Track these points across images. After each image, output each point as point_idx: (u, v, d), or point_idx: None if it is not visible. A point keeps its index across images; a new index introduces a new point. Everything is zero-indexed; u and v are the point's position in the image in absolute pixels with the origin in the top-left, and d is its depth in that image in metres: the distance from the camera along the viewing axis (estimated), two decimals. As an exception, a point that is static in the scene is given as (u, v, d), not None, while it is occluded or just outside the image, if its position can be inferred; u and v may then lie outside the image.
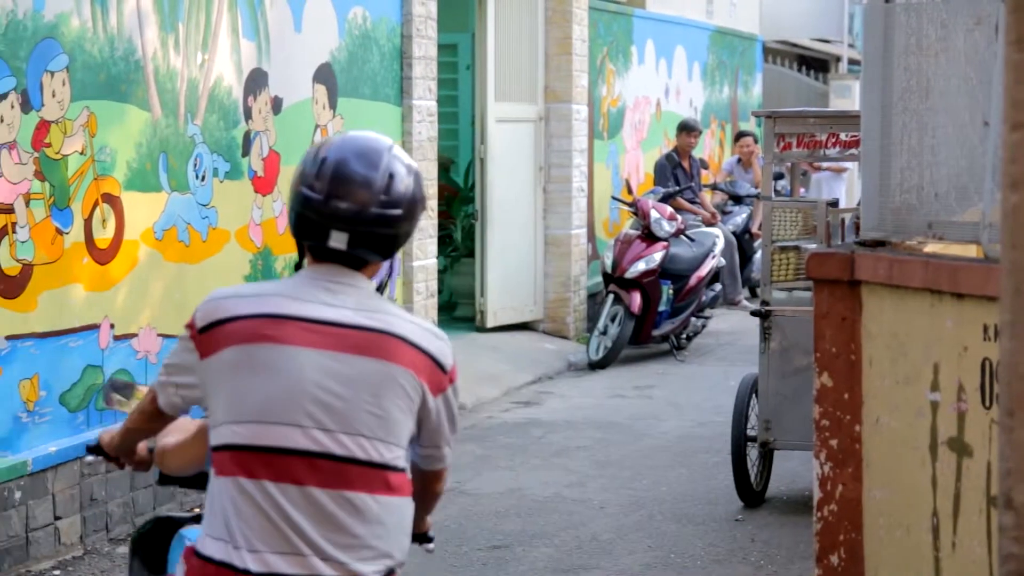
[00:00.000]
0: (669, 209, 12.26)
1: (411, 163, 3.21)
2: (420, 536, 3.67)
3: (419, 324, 3.23)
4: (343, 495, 3.07)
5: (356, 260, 3.16)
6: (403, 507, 3.18)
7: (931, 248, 4.43)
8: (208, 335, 3.13)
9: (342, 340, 3.09)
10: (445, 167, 12.73)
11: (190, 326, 3.18)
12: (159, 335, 7.13)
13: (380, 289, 3.36)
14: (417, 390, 3.14)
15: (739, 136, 16.04)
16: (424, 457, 3.31)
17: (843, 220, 7.60)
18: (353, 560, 3.07)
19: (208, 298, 3.19)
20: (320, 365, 3.07)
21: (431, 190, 9.93)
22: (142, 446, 3.62)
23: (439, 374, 3.20)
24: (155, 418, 3.38)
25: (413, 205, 3.16)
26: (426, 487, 3.39)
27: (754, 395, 7.59)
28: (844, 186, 17.11)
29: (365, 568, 3.09)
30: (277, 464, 3.05)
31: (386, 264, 3.37)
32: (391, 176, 3.12)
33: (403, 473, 3.17)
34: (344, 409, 3.07)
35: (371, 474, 3.09)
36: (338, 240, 3.11)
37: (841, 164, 16.10)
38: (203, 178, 7.45)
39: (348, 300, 3.14)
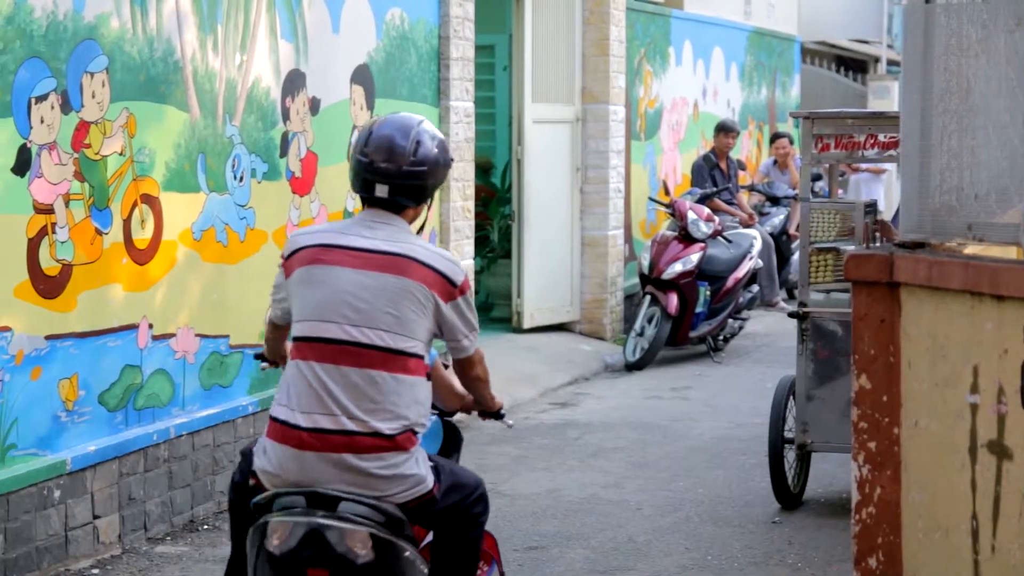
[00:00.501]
0: (706, 210, 12.23)
1: (436, 133, 4.43)
2: (494, 414, 4.77)
3: (434, 251, 4.40)
4: (367, 372, 4.23)
5: (396, 205, 4.38)
6: (416, 383, 4.31)
7: (971, 250, 4.41)
8: (289, 261, 4.39)
9: (371, 262, 4.29)
10: (485, 169, 12.70)
11: (282, 256, 4.43)
12: (197, 335, 7.15)
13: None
14: (429, 299, 4.31)
15: (775, 138, 15.99)
16: (452, 349, 4.46)
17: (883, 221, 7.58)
18: (373, 419, 4.22)
19: (290, 236, 4.54)
20: (353, 280, 4.28)
21: (468, 191, 9.94)
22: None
23: (449, 287, 4.34)
24: (274, 328, 4.68)
25: (436, 165, 4.39)
26: (466, 372, 4.59)
27: (791, 397, 7.56)
28: (882, 187, 17.04)
29: (382, 425, 4.22)
30: (321, 350, 4.25)
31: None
32: (418, 143, 4.36)
33: (419, 359, 4.31)
34: (369, 311, 4.25)
35: (389, 358, 4.25)
36: (381, 191, 4.36)
37: (879, 165, 16.03)
38: (241, 179, 7.48)
39: (381, 234, 4.35)
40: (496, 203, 13.00)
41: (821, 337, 7.41)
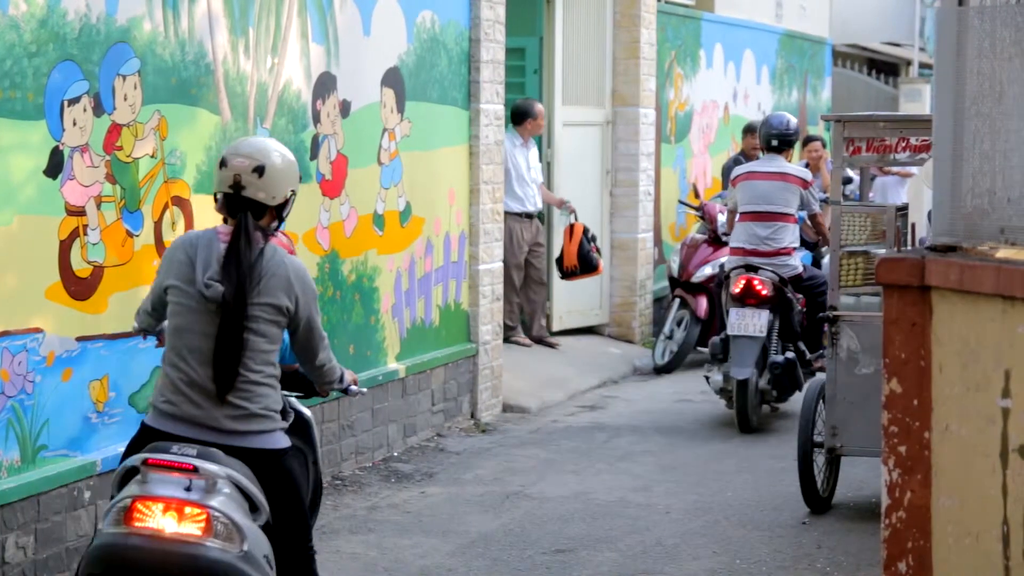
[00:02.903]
0: (736, 213, 12.22)
1: (794, 118, 10.15)
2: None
3: (797, 168, 10.01)
4: (771, 223, 9.60)
5: (779, 150, 9.84)
6: (792, 227, 9.63)
7: (1003, 253, 4.38)
8: (732, 182, 9.91)
9: (770, 176, 9.67)
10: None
11: (731, 180, 10.13)
12: (227, 337, 7.16)
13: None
14: (796, 190, 9.61)
15: (807, 141, 15.89)
16: (807, 209, 9.78)
17: (913, 225, 7.56)
18: (773, 244, 9.58)
19: (733, 171, 10.17)
20: (763, 185, 9.64)
21: (497, 194, 9.94)
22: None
23: (804, 183, 9.65)
24: (730, 213, 10.15)
25: (796, 130, 10.05)
26: (816, 224, 10.03)
27: (821, 400, 7.54)
28: (906, 191, 16.94)
29: (778, 245, 9.57)
30: (751, 215, 9.65)
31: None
32: (788, 122, 9.94)
33: (792, 216, 9.62)
34: (770, 197, 9.59)
35: (779, 216, 9.59)
36: (774, 145, 9.82)
37: (907, 169, 15.97)
38: (271, 181, 7.48)
39: (774, 164, 9.73)
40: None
41: (851, 340, 7.39)
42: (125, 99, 6.42)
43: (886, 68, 23.63)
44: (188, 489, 4.52)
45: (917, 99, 20.63)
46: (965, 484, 4.31)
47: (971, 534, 4.29)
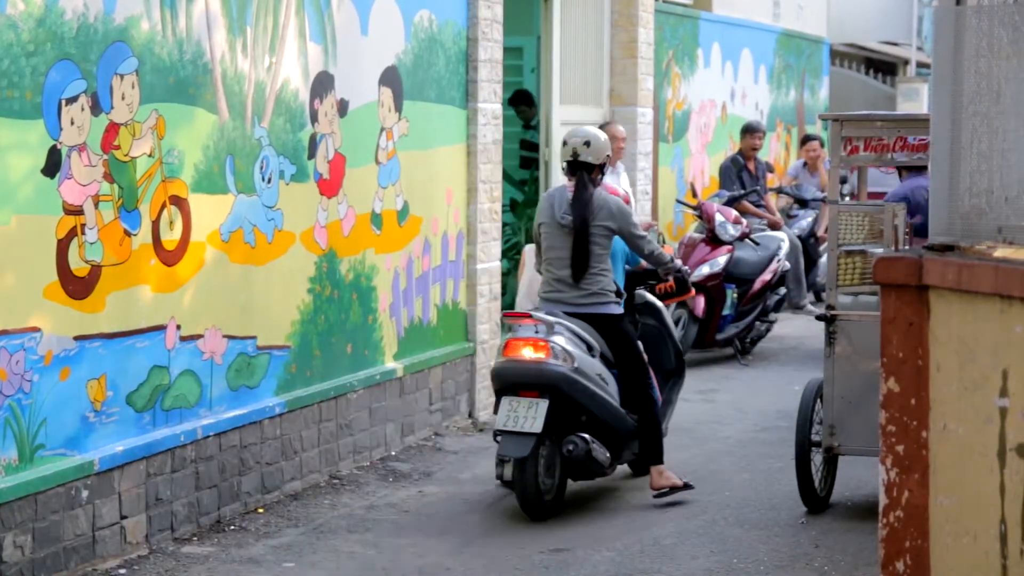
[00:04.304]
0: (734, 213, 12.21)
1: None
2: None
3: None
4: None
5: None
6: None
7: (1001, 253, 4.39)
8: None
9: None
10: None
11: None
12: (224, 336, 7.17)
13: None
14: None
15: (805, 140, 15.94)
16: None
17: (910, 225, 7.55)
18: None
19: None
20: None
21: (495, 193, 9.94)
22: None
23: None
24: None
25: None
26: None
27: (819, 400, 7.54)
28: None
29: None
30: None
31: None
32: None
33: None
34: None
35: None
36: None
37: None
38: (269, 180, 7.49)
39: None
40: (523, 205, 12.98)
41: (849, 340, 7.39)
42: (123, 98, 6.42)
43: (884, 67, 23.64)
44: (536, 332, 7.38)
45: (915, 98, 20.65)
46: (963, 483, 4.31)
47: (969, 533, 4.29)
